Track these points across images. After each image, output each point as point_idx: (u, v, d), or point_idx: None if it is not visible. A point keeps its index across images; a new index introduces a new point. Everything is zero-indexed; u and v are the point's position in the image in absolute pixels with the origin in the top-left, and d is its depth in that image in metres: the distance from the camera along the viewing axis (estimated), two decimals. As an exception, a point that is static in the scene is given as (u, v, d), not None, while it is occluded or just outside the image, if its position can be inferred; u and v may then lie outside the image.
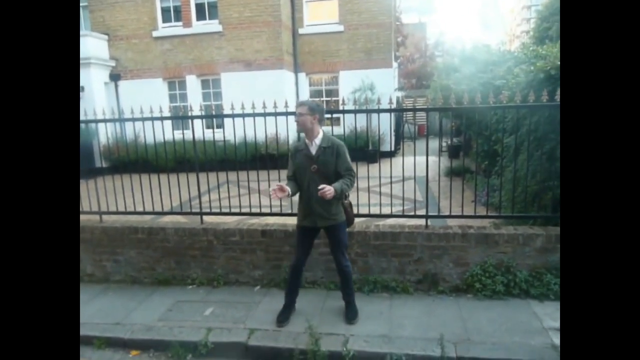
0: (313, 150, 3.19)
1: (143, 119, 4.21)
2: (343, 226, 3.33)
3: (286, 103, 4.02)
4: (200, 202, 4.37)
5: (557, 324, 3.15)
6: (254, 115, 3.95)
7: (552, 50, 4.56)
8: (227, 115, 4.08)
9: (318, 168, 3.15)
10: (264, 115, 3.94)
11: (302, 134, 3.29)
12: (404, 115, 14.67)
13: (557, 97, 3.39)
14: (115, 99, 11.69)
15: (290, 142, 7.56)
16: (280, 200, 4.44)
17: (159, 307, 3.76)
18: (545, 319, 3.26)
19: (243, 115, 3.95)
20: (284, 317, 3.39)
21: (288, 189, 3.10)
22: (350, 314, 3.37)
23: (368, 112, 4.07)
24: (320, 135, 3.20)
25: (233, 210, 4.35)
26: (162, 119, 4.16)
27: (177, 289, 4.09)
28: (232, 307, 3.68)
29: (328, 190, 2.96)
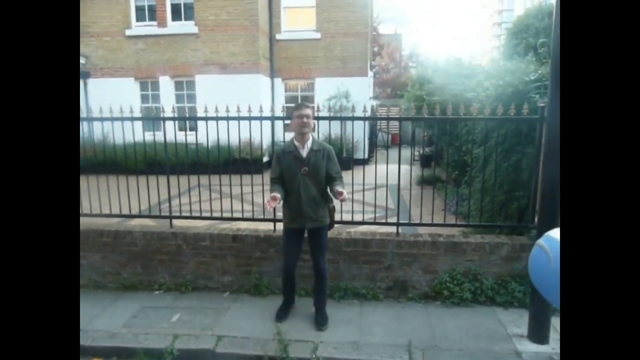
0: (304, 152, 3.21)
1: (112, 119, 4.10)
2: (327, 229, 3.39)
3: (261, 108, 4.00)
4: (170, 206, 4.27)
5: (521, 331, 3.25)
6: (227, 118, 3.91)
7: (520, 66, 4.73)
8: (201, 118, 4.02)
9: (309, 170, 3.17)
10: (238, 119, 3.91)
11: (292, 136, 3.30)
12: (378, 124, 14.86)
13: (524, 111, 3.52)
14: (84, 96, 11.33)
15: (265, 146, 7.52)
16: (253, 206, 4.41)
17: (124, 313, 3.63)
18: (510, 325, 3.36)
19: (217, 119, 3.90)
20: (283, 313, 3.46)
21: (279, 195, 3.08)
22: (320, 320, 3.36)
23: (342, 119, 4.10)
24: (311, 139, 3.25)
25: (204, 214, 4.28)
26: (132, 119, 4.06)
27: (144, 295, 3.97)
28: (200, 313, 3.61)
29: (346, 194, 3.01)
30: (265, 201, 3.02)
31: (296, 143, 3.23)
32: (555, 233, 1.23)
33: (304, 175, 3.18)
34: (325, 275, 3.37)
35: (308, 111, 3.19)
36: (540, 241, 1.22)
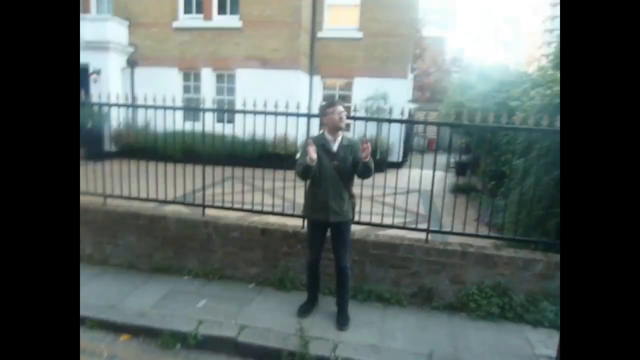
0: (335, 146, 3.28)
1: (155, 107, 4.24)
2: (350, 225, 3.42)
3: (298, 105, 4.03)
4: (203, 195, 4.38)
5: (549, 352, 3.12)
6: (265, 113, 3.97)
7: (569, 77, 4.53)
8: (239, 111, 4.10)
9: (338, 164, 3.23)
10: (275, 114, 3.96)
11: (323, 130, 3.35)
12: (415, 128, 14.64)
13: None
14: (130, 84, 11.79)
15: (299, 143, 7.59)
16: (283, 201, 4.45)
17: (154, 294, 3.77)
18: (538, 345, 3.23)
19: (254, 112, 3.96)
20: (306, 309, 3.52)
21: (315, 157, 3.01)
22: (342, 320, 3.37)
23: (379, 120, 4.07)
24: (342, 134, 3.33)
25: (235, 205, 4.37)
26: (174, 108, 4.19)
27: (173, 279, 4.10)
28: (225, 301, 3.69)
29: (369, 150, 2.97)
30: (310, 153, 2.94)
31: (328, 137, 3.29)
32: None
33: (333, 169, 3.23)
34: (347, 272, 3.37)
35: (342, 108, 3.30)
36: None
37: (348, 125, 3.50)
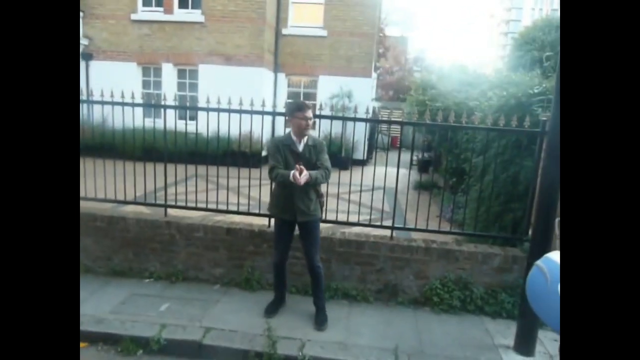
0: (300, 147, 3.27)
1: (113, 103, 4.07)
2: (319, 224, 3.43)
3: (263, 102, 3.98)
4: (165, 194, 4.25)
5: (507, 342, 3.27)
6: (229, 111, 3.90)
7: (525, 79, 4.74)
8: (202, 109, 4.00)
9: (304, 164, 3.19)
10: (240, 112, 3.89)
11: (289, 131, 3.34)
12: (378, 126, 14.84)
13: (526, 124, 3.53)
14: (85, 78, 11.25)
15: (264, 141, 7.52)
16: (249, 200, 4.39)
17: (112, 299, 3.62)
18: (497, 336, 3.37)
19: (218, 110, 3.88)
20: (272, 309, 3.49)
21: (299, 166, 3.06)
22: (320, 319, 3.38)
23: (344, 119, 4.09)
24: (307, 134, 3.32)
25: (199, 205, 4.26)
26: (133, 105, 4.03)
27: (133, 282, 3.96)
28: (189, 304, 3.60)
29: (305, 175, 3.00)
30: (292, 174, 3.01)
31: (294, 138, 3.29)
32: (553, 255, 1.24)
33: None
34: (320, 272, 3.38)
35: (311, 113, 3.27)
36: (539, 262, 1.23)
37: (314, 123, 3.49)
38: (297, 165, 3.06)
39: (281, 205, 3.33)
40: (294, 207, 3.25)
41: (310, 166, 3.25)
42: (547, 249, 3.12)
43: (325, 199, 3.48)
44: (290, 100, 12.31)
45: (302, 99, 12.62)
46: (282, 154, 3.27)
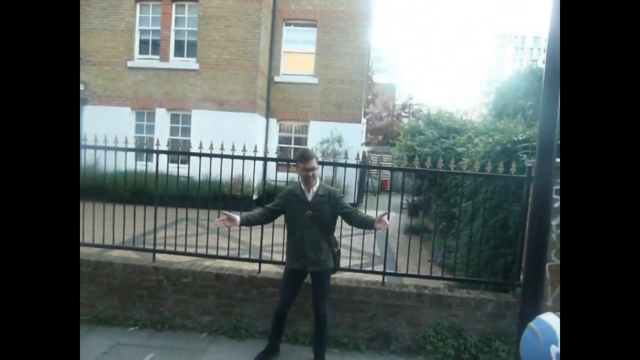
0: (309, 197, 3.26)
1: (106, 148, 4.10)
2: (330, 273, 3.39)
3: (255, 147, 4.05)
4: (155, 239, 4.19)
5: (504, 393, 3.17)
6: (221, 156, 3.94)
7: (509, 126, 4.92)
8: (195, 154, 4.05)
9: (313, 214, 3.21)
10: (232, 157, 3.94)
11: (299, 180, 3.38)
12: (368, 170, 15.05)
13: (512, 170, 3.62)
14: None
15: (255, 184, 7.54)
16: (239, 244, 4.35)
17: (95, 349, 3.47)
18: (493, 386, 3.27)
19: (211, 155, 3.93)
20: (266, 358, 3.36)
21: (237, 217, 3.22)
22: None
23: (335, 165, 4.16)
24: (317, 184, 3.30)
25: (188, 249, 4.21)
26: (126, 150, 4.06)
27: (118, 330, 3.81)
28: (174, 354, 3.46)
29: (386, 223, 3.14)
30: (217, 220, 3.21)
31: (302, 187, 3.29)
32: (546, 316, 1.25)
33: (308, 219, 3.22)
34: (326, 321, 3.31)
35: (314, 164, 3.21)
36: (532, 324, 1.24)
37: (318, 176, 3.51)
38: (224, 215, 3.19)
39: (292, 254, 3.32)
40: (303, 256, 3.23)
41: (322, 216, 3.24)
42: (539, 294, 3.11)
43: (339, 248, 3.45)
44: (285, 145, 12.52)
45: (292, 143, 12.84)
46: (290, 204, 3.28)
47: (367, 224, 3.21)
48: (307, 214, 3.22)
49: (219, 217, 3.99)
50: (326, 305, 3.32)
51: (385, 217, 3.13)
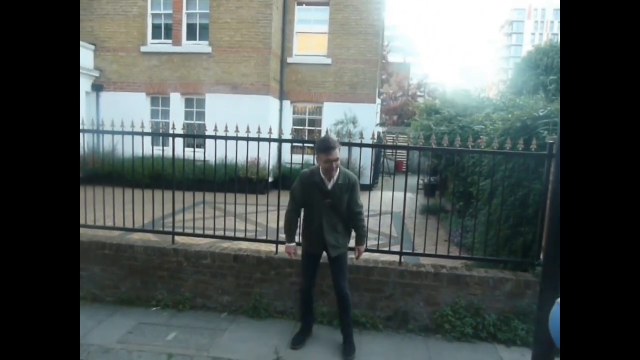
0: (329, 185, 3.19)
1: (123, 133, 4.14)
2: (347, 254, 3.43)
3: (270, 129, 4.04)
4: (173, 222, 4.26)
5: (523, 371, 3.16)
6: (237, 139, 3.95)
7: (530, 102, 4.78)
8: (210, 137, 4.06)
9: (332, 203, 3.20)
10: (247, 139, 3.94)
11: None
12: (384, 151, 14.92)
13: (533, 147, 3.53)
14: (95, 109, 11.50)
15: (271, 167, 7.56)
16: (256, 226, 4.39)
17: (120, 328, 3.58)
18: (512, 364, 3.27)
19: (226, 138, 3.94)
20: (299, 340, 3.43)
21: (292, 244, 3.42)
22: (348, 350, 3.32)
23: (351, 145, 4.12)
24: (338, 171, 3.18)
25: (207, 232, 4.27)
26: (143, 134, 4.10)
27: (141, 311, 3.92)
28: (197, 333, 3.55)
29: (361, 255, 3.49)
30: (287, 251, 3.43)
31: (323, 176, 3.17)
32: None
33: (327, 207, 3.21)
34: (349, 299, 3.35)
35: (338, 154, 3.04)
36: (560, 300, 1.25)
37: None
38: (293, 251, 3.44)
39: (311, 240, 3.34)
40: (323, 241, 3.25)
41: (341, 204, 3.22)
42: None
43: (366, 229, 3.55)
44: (299, 127, 12.47)
45: (307, 125, 12.78)
46: (309, 191, 3.21)
47: (355, 235, 3.45)
48: (326, 203, 3.19)
49: (235, 200, 4.02)
50: (347, 284, 3.36)
51: (360, 253, 3.48)
